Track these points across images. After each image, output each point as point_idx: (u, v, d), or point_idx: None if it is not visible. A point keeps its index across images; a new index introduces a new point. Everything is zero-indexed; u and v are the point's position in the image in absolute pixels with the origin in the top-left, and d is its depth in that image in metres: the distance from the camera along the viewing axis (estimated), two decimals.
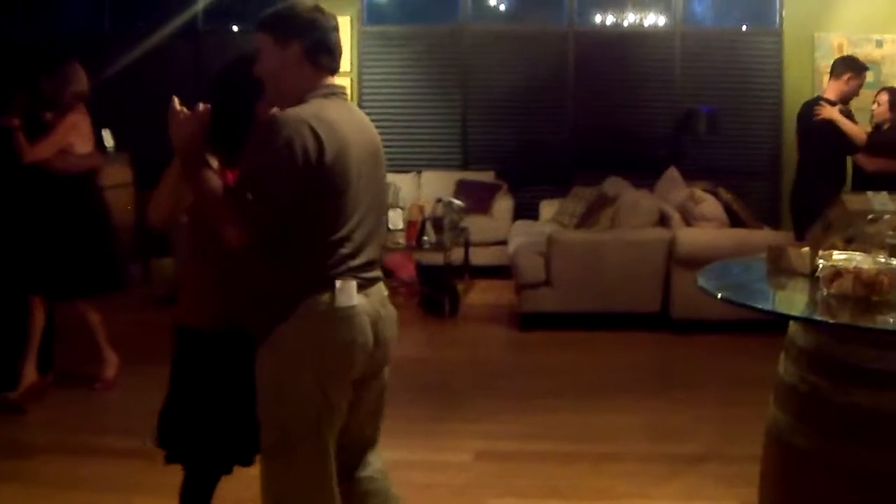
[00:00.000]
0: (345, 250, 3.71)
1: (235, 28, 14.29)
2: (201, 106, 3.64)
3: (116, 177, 12.25)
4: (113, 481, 6.00)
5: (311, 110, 3.63)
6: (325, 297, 3.67)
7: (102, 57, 13.31)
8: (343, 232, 3.70)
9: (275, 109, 3.70)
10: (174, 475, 6.01)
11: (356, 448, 4.07)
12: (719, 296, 3.85)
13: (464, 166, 13.55)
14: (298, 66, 3.73)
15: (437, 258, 10.75)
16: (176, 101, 3.66)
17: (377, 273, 3.92)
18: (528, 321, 9.66)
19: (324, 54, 3.77)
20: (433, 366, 8.71)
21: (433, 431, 6.76)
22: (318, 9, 3.81)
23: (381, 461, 4.19)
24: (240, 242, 3.58)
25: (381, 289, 3.93)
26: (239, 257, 3.73)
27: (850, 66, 9.14)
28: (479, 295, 11.33)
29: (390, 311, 3.99)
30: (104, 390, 7.77)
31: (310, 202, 3.62)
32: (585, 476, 5.98)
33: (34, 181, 7.53)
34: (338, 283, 3.68)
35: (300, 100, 3.70)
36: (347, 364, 3.75)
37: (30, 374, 7.58)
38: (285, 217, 3.60)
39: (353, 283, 3.71)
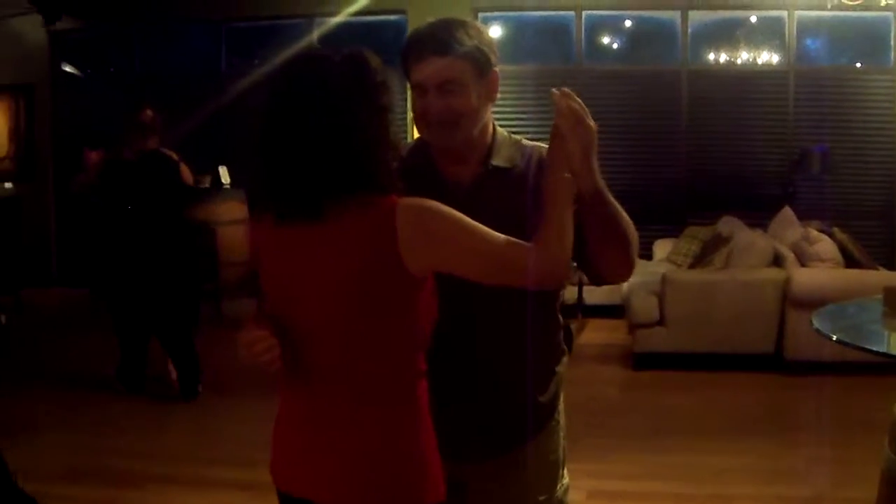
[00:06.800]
0: None
1: None
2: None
3: (232, 213, 12.47)
4: None
5: None
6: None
7: (218, 94, 13.59)
8: None
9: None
10: None
11: None
12: (835, 338, 3.84)
13: None
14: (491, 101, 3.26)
15: None
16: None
17: None
18: (641, 361, 9.64)
19: None
20: None
21: None
22: None
23: None
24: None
25: None
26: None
27: None
28: (593, 334, 11.33)
29: None
30: None
31: None
32: None
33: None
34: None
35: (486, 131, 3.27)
36: None
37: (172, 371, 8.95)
38: None
39: None
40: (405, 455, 2.78)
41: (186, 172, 8.83)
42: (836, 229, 10.22)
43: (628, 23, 14.19)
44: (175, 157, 8.80)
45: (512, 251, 2.76)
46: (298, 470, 2.85)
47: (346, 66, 2.76)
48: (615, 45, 14.48)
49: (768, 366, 9.37)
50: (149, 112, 8.64)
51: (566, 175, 2.86)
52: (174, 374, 8.88)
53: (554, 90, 2.91)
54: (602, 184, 2.99)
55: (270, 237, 2.84)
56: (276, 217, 2.80)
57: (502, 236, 2.76)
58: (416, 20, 10.82)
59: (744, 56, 13.67)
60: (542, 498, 3.34)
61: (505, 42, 13.96)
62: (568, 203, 2.84)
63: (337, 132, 2.70)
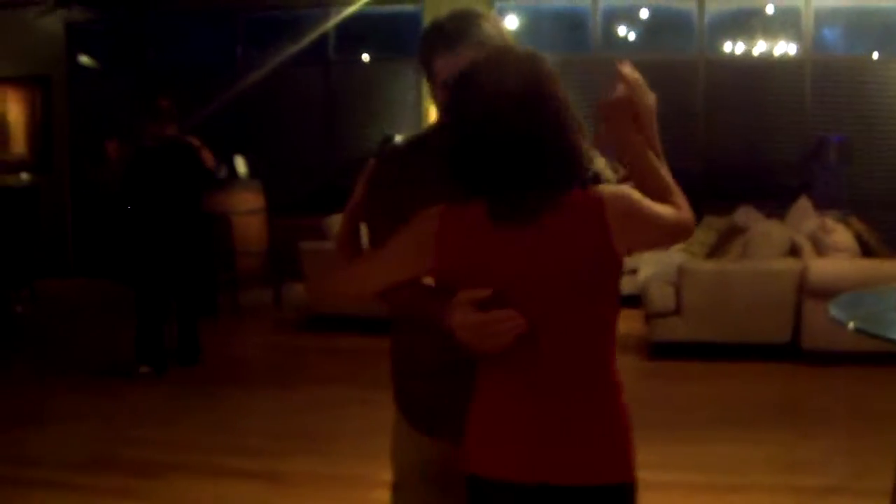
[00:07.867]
0: None
1: (365, 57, 14.46)
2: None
3: (249, 203, 12.51)
4: (233, 501, 6.13)
5: None
6: None
7: (234, 84, 13.64)
8: None
9: None
10: (293, 496, 6.13)
11: None
12: (851, 326, 3.83)
13: None
14: None
15: None
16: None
17: None
18: (658, 350, 9.62)
19: None
20: None
21: None
22: None
23: None
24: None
25: None
26: None
27: None
28: None
29: None
30: None
31: None
32: None
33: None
34: None
35: None
36: None
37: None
38: None
39: None
40: (621, 433, 2.96)
41: (208, 157, 8.98)
42: (853, 219, 10.18)
43: (645, 13, 14.16)
44: (195, 142, 8.94)
45: (677, 216, 2.88)
46: (534, 458, 2.82)
47: (537, 64, 2.74)
48: (631, 36, 14.46)
49: (785, 356, 9.33)
50: (164, 101, 8.80)
51: (639, 138, 2.98)
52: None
53: (619, 63, 3.02)
54: (660, 148, 3.11)
55: (480, 237, 2.73)
56: (490, 218, 2.71)
57: (664, 206, 2.85)
58: (432, 11, 10.77)
59: (760, 46, 13.64)
60: None
61: (521, 32, 13.91)
62: (655, 161, 2.99)
63: (553, 132, 2.69)
